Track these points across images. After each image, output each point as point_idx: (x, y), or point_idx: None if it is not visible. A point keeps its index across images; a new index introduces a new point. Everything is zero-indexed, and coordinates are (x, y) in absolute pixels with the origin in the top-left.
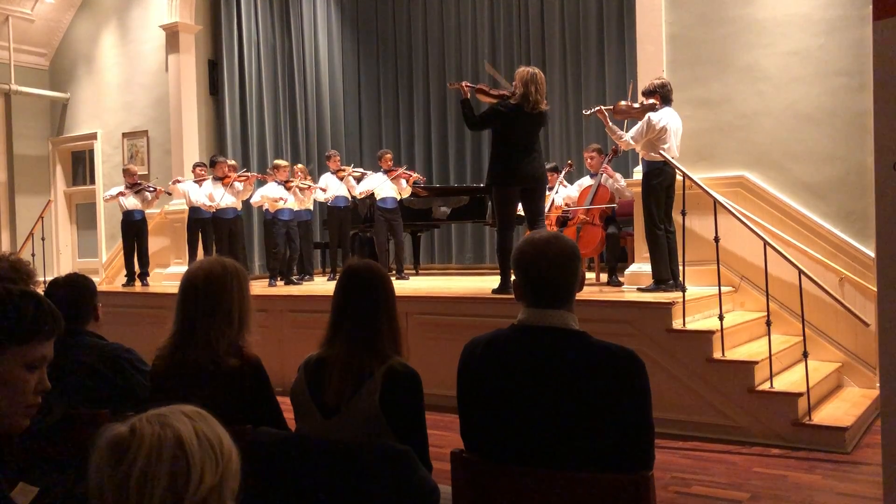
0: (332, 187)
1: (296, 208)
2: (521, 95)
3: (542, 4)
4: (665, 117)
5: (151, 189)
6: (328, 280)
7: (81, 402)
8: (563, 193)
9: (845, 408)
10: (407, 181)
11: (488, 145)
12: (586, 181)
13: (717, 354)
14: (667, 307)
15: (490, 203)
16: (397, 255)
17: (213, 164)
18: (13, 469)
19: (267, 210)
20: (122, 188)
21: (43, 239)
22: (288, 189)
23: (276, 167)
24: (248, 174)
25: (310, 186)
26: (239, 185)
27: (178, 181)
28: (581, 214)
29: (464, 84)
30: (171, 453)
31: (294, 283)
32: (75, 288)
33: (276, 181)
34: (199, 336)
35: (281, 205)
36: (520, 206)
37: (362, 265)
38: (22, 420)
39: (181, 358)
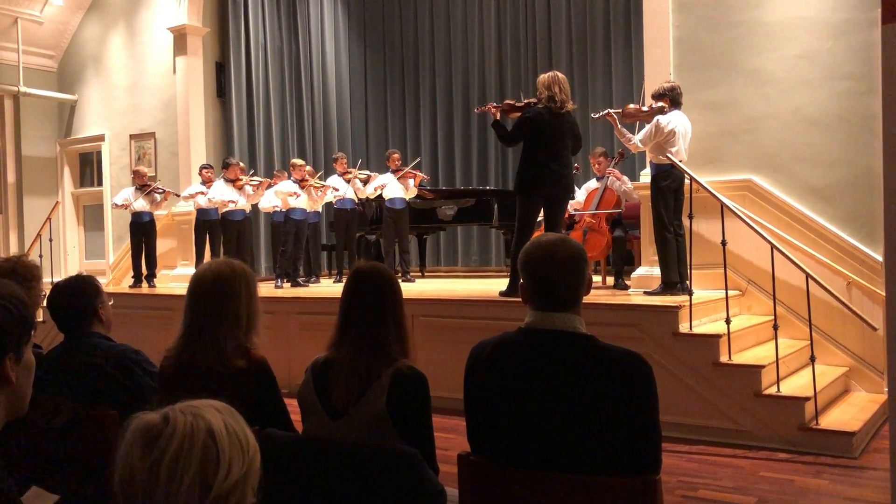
0: (338, 189)
1: (308, 209)
2: (547, 98)
3: (548, 7)
4: (674, 120)
5: (160, 191)
6: (334, 282)
7: (89, 403)
8: (575, 198)
9: (853, 412)
10: (414, 181)
11: (494, 147)
12: (593, 184)
13: (723, 358)
14: (673, 311)
15: (496, 205)
16: (402, 256)
17: (226, 166)
18: (21, 470)
19: (276, 211)
20: (129, 193)
21: (51, 240)
22: (303, 188)
23: (294, 166)
24: (261, 180)
25: (324, 186)
26: (250, 189)
27: (193, 195)
28: (587, 218)
29: (490, 106)
30: (202, 442)
31: (301, 285)
32: (72, 294)
33: (292, 179)
34: (207, 337)
35: (293, 202)
36: None
37: (370, 267)
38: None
39: (189, 359)
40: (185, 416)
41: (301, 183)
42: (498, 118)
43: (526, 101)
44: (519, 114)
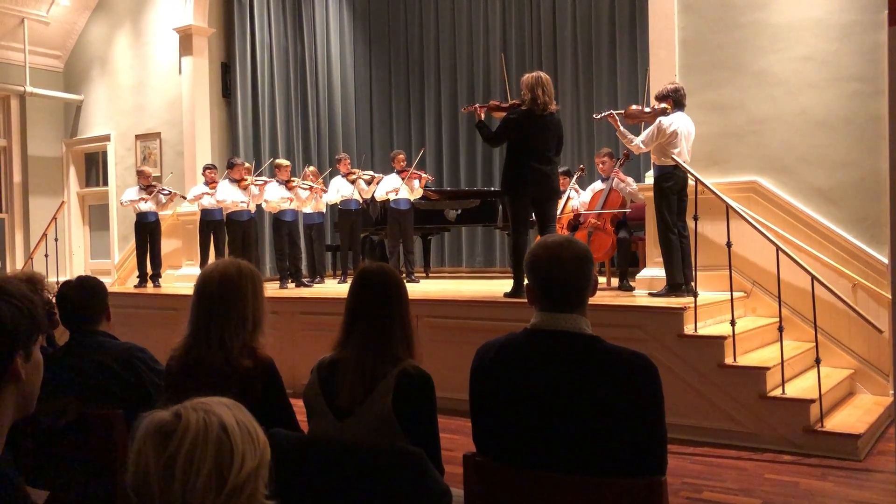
0: (342, 190)
1: (308, 210)
2: (530, 100)
3: (554, 8)
4: (676, 122)
5: (166, 192)
6: (339, 282)
7: (95, 401)
8: (580, 199)
9: (858, 415)
10: (419, 182)
11: (499, 148)
12: (598, 185)
13: (728, 360)
14: (678, 312)
15: (501, 206)
16: (406, 257)
17: (231, 166)
18: (28, 469)
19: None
20: (135, 193)
21: (56, 240)
22: (290, 189)
23: (278, 167)
24: (265, 179)
25: (311, 187)
26: (255, 189)
27: (199, 196)
28: (592, 219)
29: (476, 107)
30: (216, 437)
31: (305, 286)
32: (87, 290)
33: (277, 181)
34: (213, 337)
35: (285, 206)
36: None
37: (376, 268)
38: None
39: (195, 358)
40: (196, 413)
41: (287, 184)
42: (483, 118)
43: (511, 101)
44: (503, 114)
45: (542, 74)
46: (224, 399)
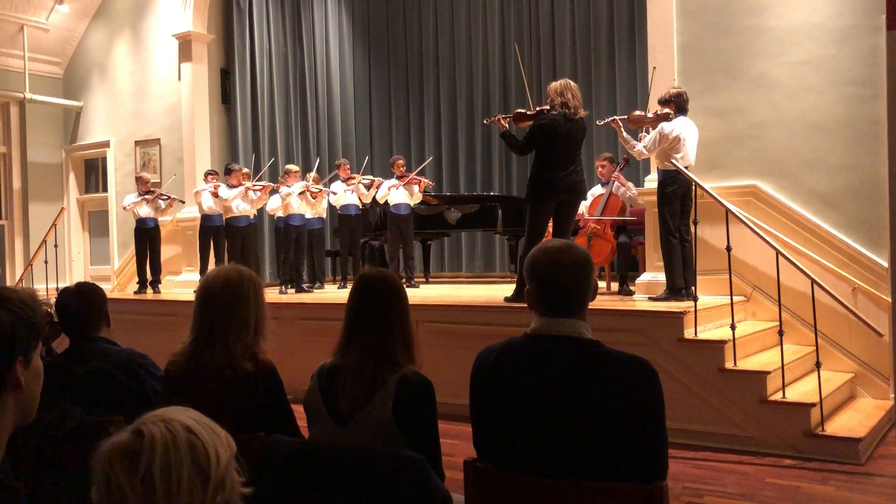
0: (342, 196)
1: (308, 215)
2: (561, 104)
3: (552, 14)
4: (679, 126)
5: (165, 197)
6: (339, 288)
7: (96, 408)
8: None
9: (859, 418)
10: (419, 187)
11: (498, 153)
12: (598, 189)
13: (728, 364)
14: (678, 316)
15: (500, 211)
16: (406, 262)
17: (228, 171)
18: (29, 478)
19: (279, 217)
20: (137, 196)
21: (56, 246)
22: (299, 193)
23: (288, 172)
24: (264, 184)
25: (321, 190)
26: (253, 195)
27: (203, 191)
28: (592, 223)
29: (498, 117)
30: (185, 440)
31: (305, 291)
32: (85, 296)
33: (286, 186)
34: (216, 342)
35: (294, 207)
36: None
37: (376, 274)
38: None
39: (197, 363)
40: (157, 425)
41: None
42: (507, 128)
43: (537, 108)
44: (530, 122)
45: (570, 81)
46: (174, 407)
